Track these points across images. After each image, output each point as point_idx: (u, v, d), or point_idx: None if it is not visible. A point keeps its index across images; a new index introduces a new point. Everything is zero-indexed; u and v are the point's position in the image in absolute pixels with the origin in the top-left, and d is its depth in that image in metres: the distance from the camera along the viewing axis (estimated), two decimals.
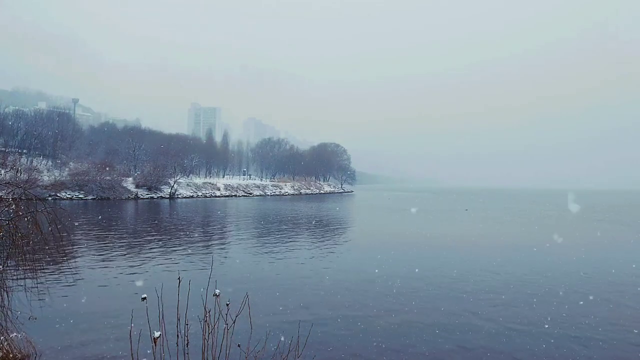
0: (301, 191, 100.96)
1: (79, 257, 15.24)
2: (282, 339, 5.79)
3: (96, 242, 19.10)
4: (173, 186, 64.04)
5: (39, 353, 6.65)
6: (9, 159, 50.59)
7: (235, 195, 76.15)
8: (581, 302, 10.75)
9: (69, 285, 11.29)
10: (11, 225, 6.12)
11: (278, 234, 24.32)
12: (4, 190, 6.88)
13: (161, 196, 61.04)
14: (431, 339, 8.21)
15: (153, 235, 22.18)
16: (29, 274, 6.72)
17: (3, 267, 6.22)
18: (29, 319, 7.25)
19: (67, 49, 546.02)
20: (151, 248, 17.91)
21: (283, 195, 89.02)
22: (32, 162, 60.39)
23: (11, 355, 6.01)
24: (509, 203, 70.69)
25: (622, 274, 14.55)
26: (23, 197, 6.77)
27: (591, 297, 11.29)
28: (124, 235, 21.94)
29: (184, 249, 17.78)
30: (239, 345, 5.24)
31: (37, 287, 6.73)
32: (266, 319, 8.70)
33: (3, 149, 58.64)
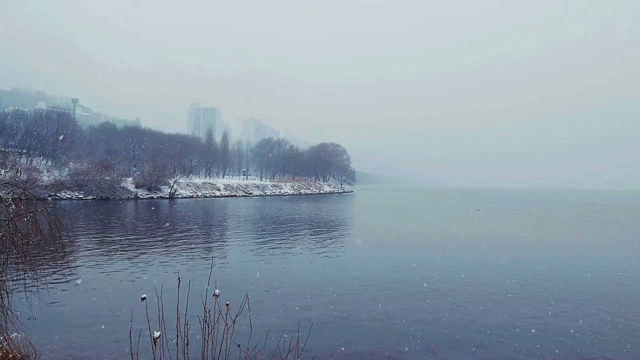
0: (301, 191, 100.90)
1: (78, 257, 15.23)
2: (282, 339, 5.79)
3: (96, 242, 19.09)
4: (173, 186, 63.99)
5: (39, 353, 6.65)
6: (9, 159, 50.51)
7: (235, 196, 76.12)
8: None
9: (69, 285, 11.30)
10: (11, 225, 6.13)
11: (278, 234, 24.32)
12: (4, 190, 6.88)
13: (161, 196, 60.99)
14: (430, 343, 8.22)
15: (153, 236, 22.17)
16: (29, 274, 6.72)
17: (3, 267, 6.22)
18: (29, 319, 7.26)
19: (67, 50, 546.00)
20: (151, 248, 17.91)
21: (283, 195, 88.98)
22: (32, 162, 60.34)
23: (11, 355, 6.01)
24: (514, 204, 70.68)
25: None
26: (23, 197, 6.77)
27: None
28: (124, 236, 21.93)
29: (184, 249, 17.78)
30: (238, 345, 5.24)
31: (37, 287, 6.73)
32: (266, 319, 8.70)
33: (3, 149, 58.55)
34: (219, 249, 18.61)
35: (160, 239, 21.01)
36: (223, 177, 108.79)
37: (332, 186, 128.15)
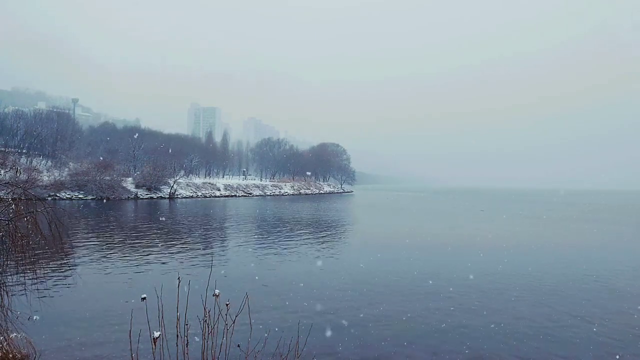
0: (301, 191, 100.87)
1: (78, 257, 15.23)
2: (282, 339, 5.79)
3: (96, 242, 19.09)
4: (173, 186, 63.97)
5: (39, 353, 6.65)
6: (9, 159, 50.47)
7: (235, 196, 76.11)
8: None
9: (69, 286, 11.30)
10: (11, 225, 6.12)
11: (278, 234, 24.31)
12: (4, 190, 6.88)
13: (161, 196, 60.98)
14: (428, 341, 8.22)
15: (153, 236, 22.16)
16: (29, 274, 6.72)
17: (3, 267, 6.22)
18: (29, 319, 7.25)
19: (67, 50, 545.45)
20: (151, 248, 17.91)
21: (283, 195, 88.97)
22: (31, 162, 60.34)
23: (11, 355, 6.01)
24: (516, 204, 70.64)
25: None
26: (23, 197, 6.77)
27: None
28: (124, 236, 21.93)
29: (184, 249, 17.78)
30: (238, 346, 5.24)
31: (37, 287, 6.73)
32: (266, 319, 8.71)
33: (3, 149, 58.55)
34: (219, 249, 18.61)
35: (160, 239, 21.01)
36: (223, 177, 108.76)
37: (332, 186, 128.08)
